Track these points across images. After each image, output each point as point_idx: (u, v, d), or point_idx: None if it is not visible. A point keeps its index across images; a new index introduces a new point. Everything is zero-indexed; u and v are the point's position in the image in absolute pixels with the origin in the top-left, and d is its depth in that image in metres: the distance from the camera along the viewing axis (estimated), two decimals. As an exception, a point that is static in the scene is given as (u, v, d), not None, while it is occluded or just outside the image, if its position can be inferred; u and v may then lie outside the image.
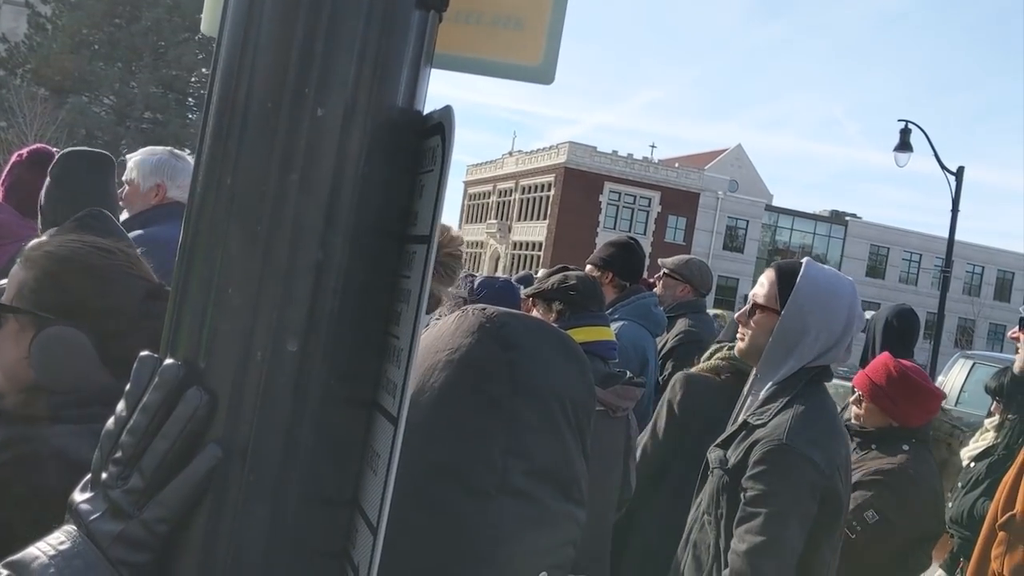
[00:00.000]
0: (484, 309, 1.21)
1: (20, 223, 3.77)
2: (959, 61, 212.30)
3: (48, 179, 2.96)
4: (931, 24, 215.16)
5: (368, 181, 0.79)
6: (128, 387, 0.81)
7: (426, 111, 0.87)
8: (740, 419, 2.60)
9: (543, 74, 0.96)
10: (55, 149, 4.02)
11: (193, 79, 37.92)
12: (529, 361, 1.14)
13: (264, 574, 0.78)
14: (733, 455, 2.48)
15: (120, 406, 0.81)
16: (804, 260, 2.66)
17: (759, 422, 2.46)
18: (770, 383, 2.54)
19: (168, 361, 0.80)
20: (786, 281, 2.57)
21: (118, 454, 0.79)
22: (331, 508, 0.83)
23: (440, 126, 0.80)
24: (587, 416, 1.22)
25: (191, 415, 0.77)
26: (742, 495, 2.39)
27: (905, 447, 3.28)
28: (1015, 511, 2.44)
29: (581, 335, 3.11)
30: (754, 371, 2.70)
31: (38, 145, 3.99)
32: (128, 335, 1.40)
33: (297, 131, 0.77)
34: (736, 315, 2.79)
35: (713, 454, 2.59)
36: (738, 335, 2.74)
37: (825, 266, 2.69)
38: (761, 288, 2.66)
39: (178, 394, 0.78)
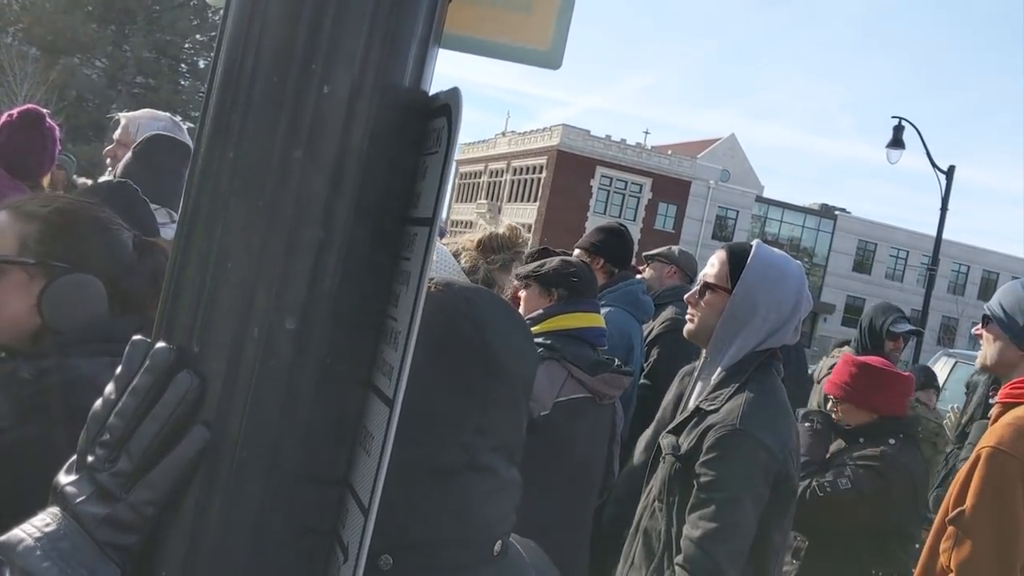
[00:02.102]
0: (448, 284, 1.19)
1: (9, 184, 3.74)
2: (952, 59, 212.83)
3: (130, 153, 3.00)
4: (926, 20, 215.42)
5: (372, 160, 0.78)
6: (119, 370, 0.80)
7: (431, 91, 0.86)
8: (691, 405, 2.60)
9: (551, 59, 0.95)
10: (46, 110, 3.98)
11: (187, 45, 37.60)
12: (499, 341, 1.14)
13: (253, 551, 0.78)
14: (686, 441, 2.47)
15: (109, 388, 0.80)
16: (755, 242, 2.69)
17: (711, 408, 2.47)
18: (720, 368, 2.55)
19: (160, 345, 0.79)
20: (737, 262, 2.59)
21: (105, 436, 0.78)
22: (322, 487, 0.82)
23: (447, 107, 0.79)
24: (532, 383, 1.25)
25: (181, 398, 0.76)
26: (695, 481, 2.39)
27: (892, 440, 3.32)
28: (964, 507, 2.47)
29: (574, 321, 3.12)
30: (703, 355, 2.71)
31: (29, 106, 3.95)
32: (123, 280, 1.57)
33: (303, 107, 0.76)
34: (686, 296, 2.79)
35: (665, 440, 2.59)
36: (687, 316, 2.74)
37: (775, 249, 2.71)
38: (712, 268, 2.67)
39: (168, 377, 0.77)
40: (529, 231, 52.02)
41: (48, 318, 1.50)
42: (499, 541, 1.13)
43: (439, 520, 1.07)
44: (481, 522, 1.10)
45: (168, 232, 2.72)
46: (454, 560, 1.07)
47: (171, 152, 2.96)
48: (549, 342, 3.03)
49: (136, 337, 0.81)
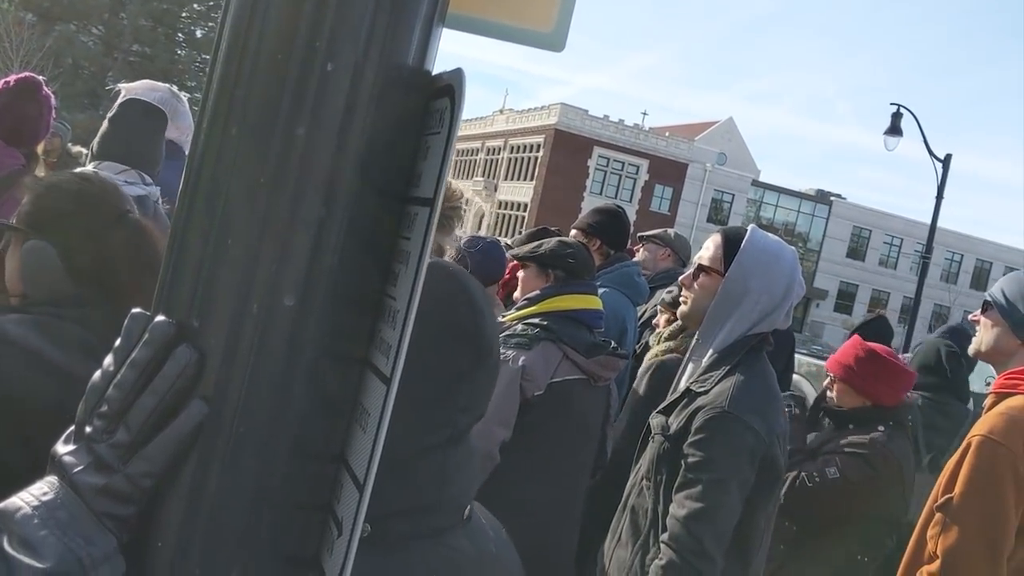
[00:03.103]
0: (444, 267, 1.21)
1: (4, 152, 3.73)
2: (949, 46, 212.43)
3: (106, 119, 3.02)
4: (924, 7, 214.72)
5: (375, 139, 0.79)
6: (118, 342, 0.81)
7: (435, 71, 0.86)
8: (682, 386, 2.63)
9: (554, 41, 0.95)
10: (42, 78, 3.96)
11: (184, 14, 37.31)
12: (488, 324, 1.18)
13: (248, 525, 0.79)
14: (675, 422, 2.51)
15: (107, 360, 0.81)
16: (750, 226, 2.72)
17: (701, 389, 2.50)
18: (711, 350, 2.58)
19: (159, 318, 0.79)
20: (732, 245, 2.63)
21: (104, 408, 0.78)
22: (318, 463, 0.83)
23: (450, 88, 0.79)
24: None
25: (180, 372, 0.77)
26: (683, 461, 2.43)
27: (881, 428, 3.34)
28: (953, 494, 2.49)
29: (572, 302, 3.13)
30: (695, 337, 2.73)
31: (26, 73, 3.92)
32: (91, 251, 1.68)
33: (306, 84, 0.76)
34: (680, 279, 2.82)
35: (655, 420, 2.63)
36: (681, 298, 2.78)
37: (770, 234, 2.73)
38: (707, 251, 2.70)
39: (168, 351, 0.77)
40: (525, 210, 51.95)
41: (21, 279, 1.69)
42: (468, 506, 1.19)
43: (422, 490, 1.11)
44: (455, 489, 1.15)
45: (134, 190, 2.72)
46: (432, 526, 1.11)
47: (144, 116, 2.96)
48: (546, 323, 3.04)
49: (135, 310, 0.81)
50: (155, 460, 0.76)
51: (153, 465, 0.77)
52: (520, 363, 2.91)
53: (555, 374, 2.98)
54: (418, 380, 1.01)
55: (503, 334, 2.99)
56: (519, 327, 3.05)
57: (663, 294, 4.33)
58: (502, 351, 2.89)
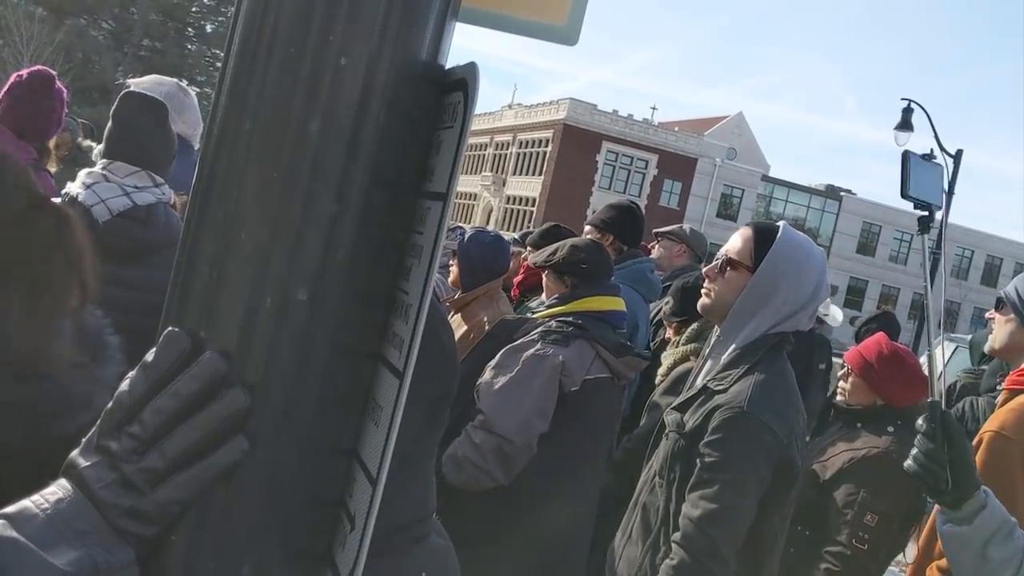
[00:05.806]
0: None
1: (15, 145, 3.74)
2: (954, 42, 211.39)
3: (110, 116, 3.02)
4: (929, 2, 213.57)
5: (388, 133, 0.78)
6: (150, 358, 0.78)
7: (448, 65, 0.86)
8: (699, 383, 2.58)
9: (567, 35, 0.95)
10: (54, 71, 3.97)
11: (194, 9, 37.40)
12: (451, 337, 1.32)
13: (260, 519, 0.79)
14: (691, 420, 2.46)
15: (136, 375, 0.78)
16: (781, 223, 2.65)
17: (719, 388, 2.45)
18: (732, 346, 2.52)
19: (210, 354, 0.77)
20: (763, 240, 2.55)
21: (136, 428, 0.76)
22: (330, 457, 0.83)
23: (463, 82, 0.79)
24: None
25: (230, 415, 0.76)
26: (699, 460, 2.39)
27: (891, 428, 3.32)
28: None
29: (595, 304, 3.22)
30: (714, 333, 2.68)
31: (39, 67, 3.94)
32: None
33: (320, 79, 0.76)
34: (705, 270, 2.76)
35: (670, 417, 2.58)
36: (703, 290, 2.69)
37: (800, 233, 2.67)
38: (735, 244, 2.61)
39: (215, 387, 0.76)
40: (533, 205, 51.94)
41: None
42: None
43: (415, 505, 1.19)
44: (433, 495, 1.25)
45: (144, 197, 2.70)
46: (422, 532, 1.20)
47: (147, 112, 2.93)
48: (580, 322, 3.13)
49: (171, 329, 0.79)
50: (186, 490, 0.75)
51: (183, 494, 0.75)
52: (560, 359, 3.00)
53: (588, 371, 3.08)
54: (418, 408, 1.05)
55: (538, 329, 3.09)
56: (553, 324, 3.13)
57: (662, 305, 4.31)
58: (539, 346, 2.99)
